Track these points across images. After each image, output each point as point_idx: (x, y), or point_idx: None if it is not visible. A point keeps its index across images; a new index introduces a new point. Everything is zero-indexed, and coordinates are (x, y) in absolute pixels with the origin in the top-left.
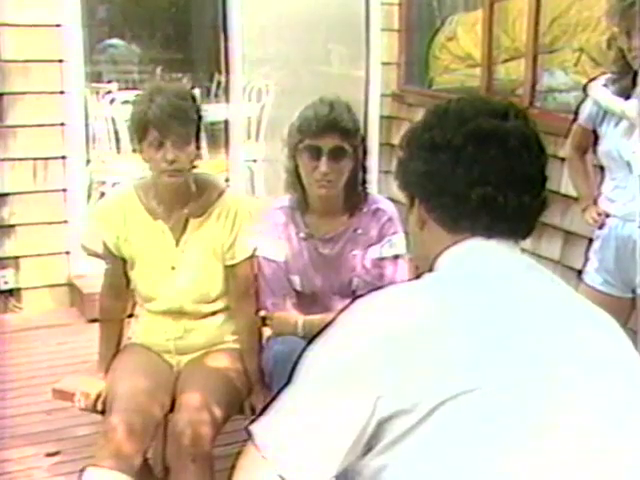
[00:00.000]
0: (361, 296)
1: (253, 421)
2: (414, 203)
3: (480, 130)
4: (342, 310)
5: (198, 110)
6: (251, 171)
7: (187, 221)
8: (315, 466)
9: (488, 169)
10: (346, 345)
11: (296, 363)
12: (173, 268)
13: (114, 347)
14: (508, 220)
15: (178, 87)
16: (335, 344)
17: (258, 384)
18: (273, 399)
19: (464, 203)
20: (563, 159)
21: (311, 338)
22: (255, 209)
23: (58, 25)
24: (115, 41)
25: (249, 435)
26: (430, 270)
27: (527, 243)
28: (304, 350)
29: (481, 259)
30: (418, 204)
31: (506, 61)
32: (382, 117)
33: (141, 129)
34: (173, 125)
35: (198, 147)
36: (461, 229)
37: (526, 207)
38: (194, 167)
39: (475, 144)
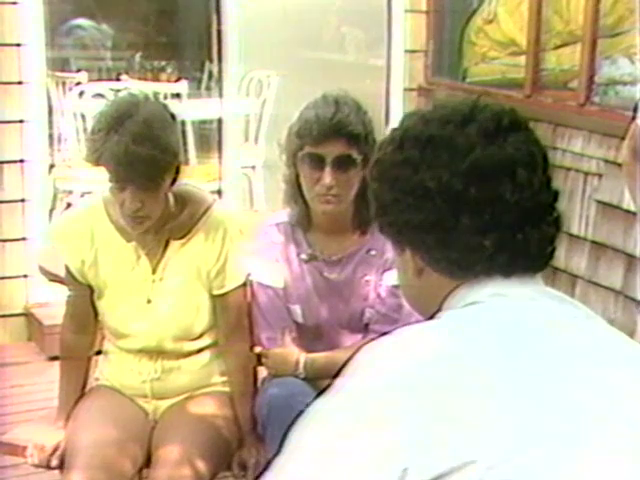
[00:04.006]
0: (384, 333)
1: None
2: (404, 249)
3: (481, 167)
4: (351, 355)
5: (174, 130)
6: (249, 179)
7: (167, 243)
8: None
9: (498, 210)
10: (357, 402)
11: (294, 417)
12: (149, 301)
13: (77, 390)
14: (529, 255)
15: (148, 111)
16: (341, 402)
17: (250, 435)
18: (265, 468)
19: (476, 252)
20: None
21: (318, 393)
22: (249, 225)
23: (14, 2)
24: (82, 21)
25: None
26: (438, 310)
27: (582, 269)
28: (303, 404)
29: (504, 299)
30: (411, 253)
31: (558, 47)
32: None
33: (97, 165)
34: (131, 172)
35: (178, 170)
36: (473, 274)
37: (546, 236)
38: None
39: (478, 185)
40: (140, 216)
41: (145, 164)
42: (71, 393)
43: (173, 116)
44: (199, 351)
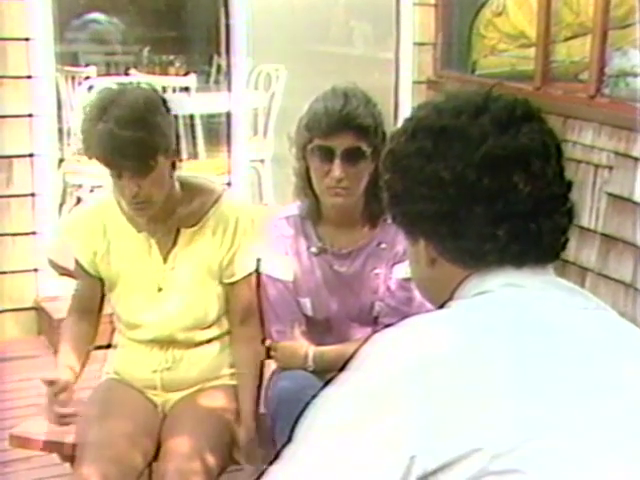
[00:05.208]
0: (388, 325)
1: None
2: (417, 240)
3: (494, 157)
4: (359, 347)
5: (163, 113)
6: (258, 173)
7: (177, 232)
8: None
9: (512, 200)
10: (365, 389)
11: (303, 410)
12: (160, 289)
13: (86, 342)
14: (541, 245)
15: (132, 96)
16: (349, 389)
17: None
18: (276, 457)
19: (489, 241)
20: (637, 159)
21: (325, 383)
22: (259, 218)
23: None
24: (94, 16)
25: None
26: (449, 299)
27: (592, 262)
28: (312, 397)
29: (515, 289)
30: (425, 243)
31: (568, 39)
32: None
33: (91, 158)
34: (119, 156)
35: (179, 159)
36: (485, 264)
37: (559, 226)
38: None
39: (491, 175)
40: (141, 202)
41: (133, 146)
42: (76, 346)
43: (164, 101)
44: (209, 341)
